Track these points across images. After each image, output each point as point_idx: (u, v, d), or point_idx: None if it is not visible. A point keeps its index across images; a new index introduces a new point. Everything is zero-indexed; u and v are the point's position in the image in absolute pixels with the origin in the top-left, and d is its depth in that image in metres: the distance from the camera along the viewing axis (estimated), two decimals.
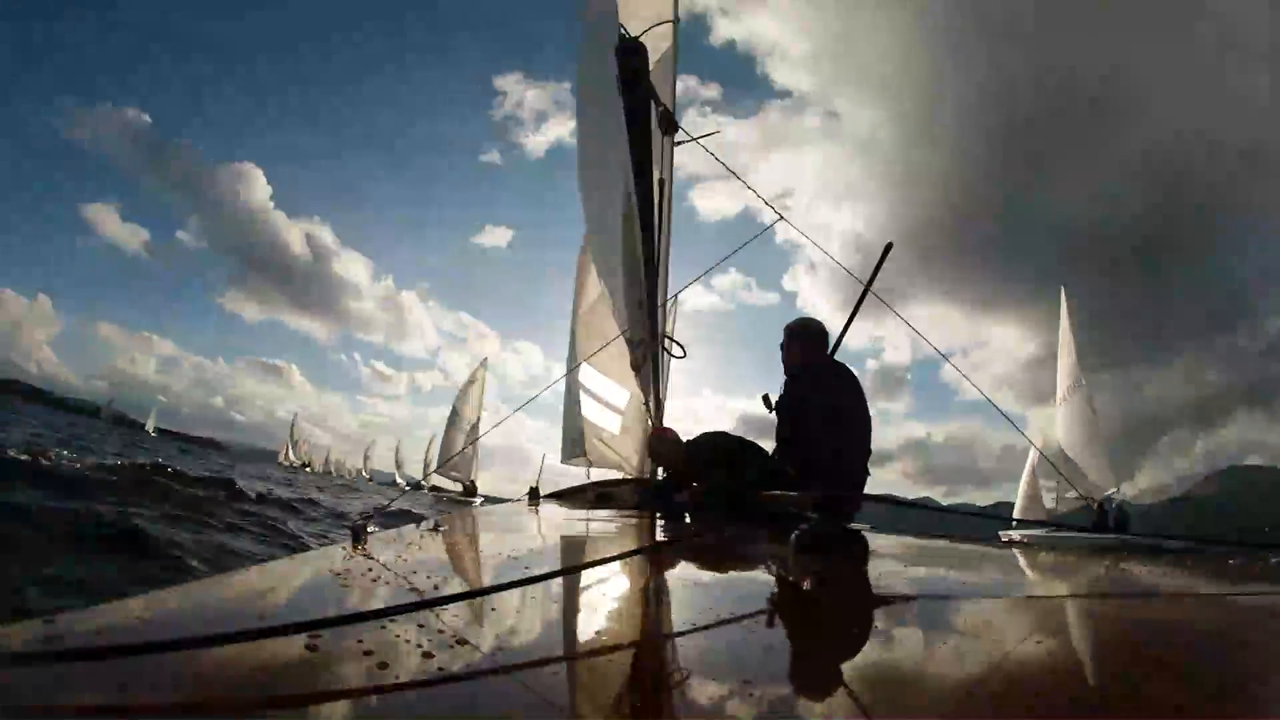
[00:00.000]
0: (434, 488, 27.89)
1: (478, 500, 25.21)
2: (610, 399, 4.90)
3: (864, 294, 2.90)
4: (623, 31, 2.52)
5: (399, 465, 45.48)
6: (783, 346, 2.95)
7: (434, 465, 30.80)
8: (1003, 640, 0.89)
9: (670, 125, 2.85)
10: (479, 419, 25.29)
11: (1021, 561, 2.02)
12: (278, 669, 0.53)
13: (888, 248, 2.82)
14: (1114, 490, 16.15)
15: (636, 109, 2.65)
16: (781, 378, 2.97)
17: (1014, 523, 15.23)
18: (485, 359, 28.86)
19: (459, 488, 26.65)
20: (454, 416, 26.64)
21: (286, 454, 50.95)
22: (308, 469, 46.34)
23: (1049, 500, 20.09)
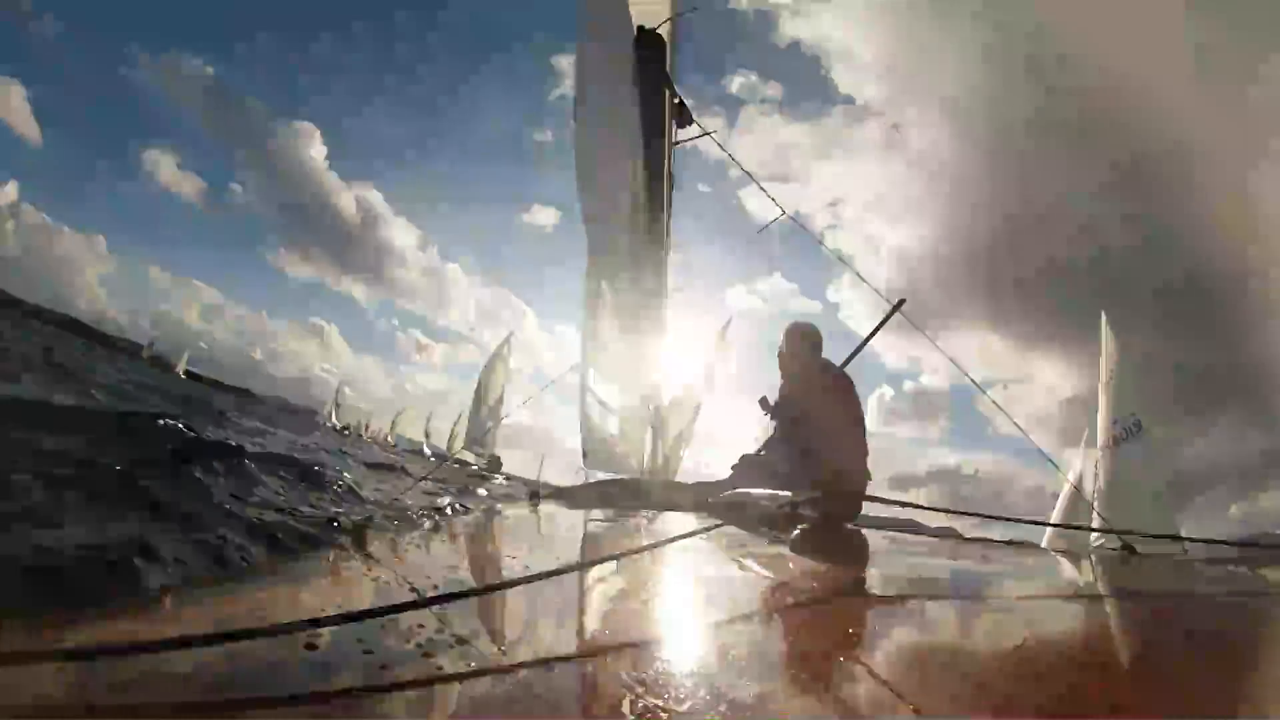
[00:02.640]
0: (459, 460, 28.53)
1: (498, 479, 25.61)
2: (612, 398, 4.83)
3: (869, 337, 2.91)
4: (640, 25, 2.41)
5: (428, 435, 46.58)
6: (780, 351, 2.90)
7: (460, 439, 31.46)
8: (1002, 639, 0.88)
9: (685, 118, 2.78)
10: (502, 395, 25.49)
11: (1022, 562, 1.99)
12: (278, 669, 0.54)
13: (899, 303, 2.81)
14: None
15: (655, 101, 2.55)
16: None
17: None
18: (510, 334, 28.97)
19: (483, 462, 27.10)
20: (480, 391, 27.00)
21: (330, 416, 52.62)
22: (346, 432, 47.93)
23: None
